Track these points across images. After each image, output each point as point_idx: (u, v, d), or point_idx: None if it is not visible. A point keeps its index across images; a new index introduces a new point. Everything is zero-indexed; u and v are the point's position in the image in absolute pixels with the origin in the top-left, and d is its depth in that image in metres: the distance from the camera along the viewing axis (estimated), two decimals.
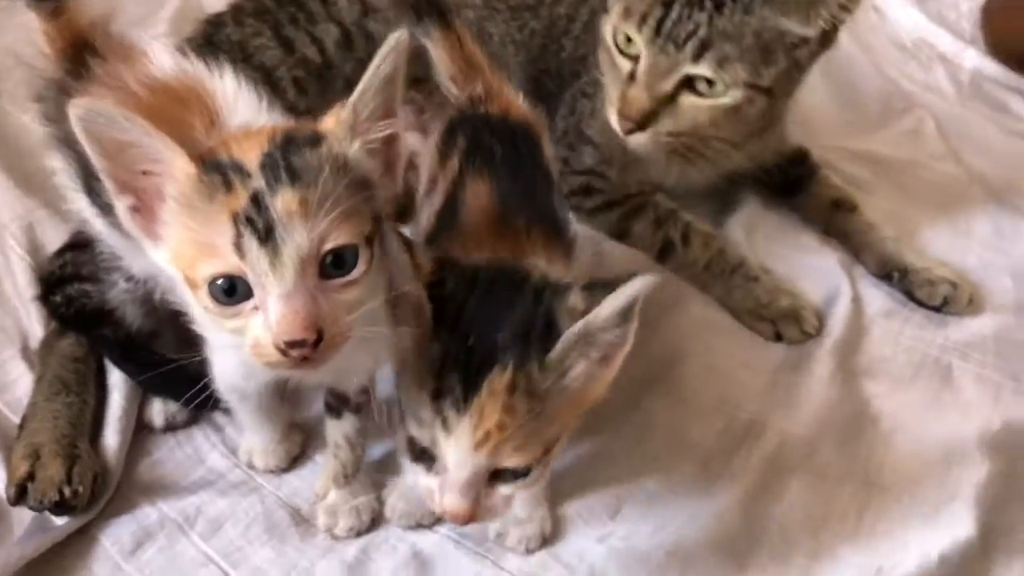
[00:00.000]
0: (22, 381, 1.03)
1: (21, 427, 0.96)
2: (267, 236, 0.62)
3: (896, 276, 1.25)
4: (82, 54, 0.83)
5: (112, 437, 0.96)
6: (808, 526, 0.96)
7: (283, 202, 0.63)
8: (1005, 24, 1.11)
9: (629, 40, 1.10)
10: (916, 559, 0.91)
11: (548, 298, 0.69)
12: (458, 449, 0.66)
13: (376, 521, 0.93)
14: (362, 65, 0.69)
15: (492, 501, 0.70)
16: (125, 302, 0.95)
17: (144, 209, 0.67)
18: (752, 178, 1.35)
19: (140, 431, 1.00)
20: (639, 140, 1.13)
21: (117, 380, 1.01)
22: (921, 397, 1.11)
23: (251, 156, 0.65)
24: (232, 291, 0.64)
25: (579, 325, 0.66)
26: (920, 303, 1.23)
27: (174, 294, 0.80)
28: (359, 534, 0.91)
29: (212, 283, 0.64)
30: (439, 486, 0.69)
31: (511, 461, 0.68)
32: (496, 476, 0.70)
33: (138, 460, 0.98)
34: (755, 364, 1.14)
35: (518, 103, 0.95)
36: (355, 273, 0.66)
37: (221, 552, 0.90)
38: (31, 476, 0.88)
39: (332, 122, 0.69)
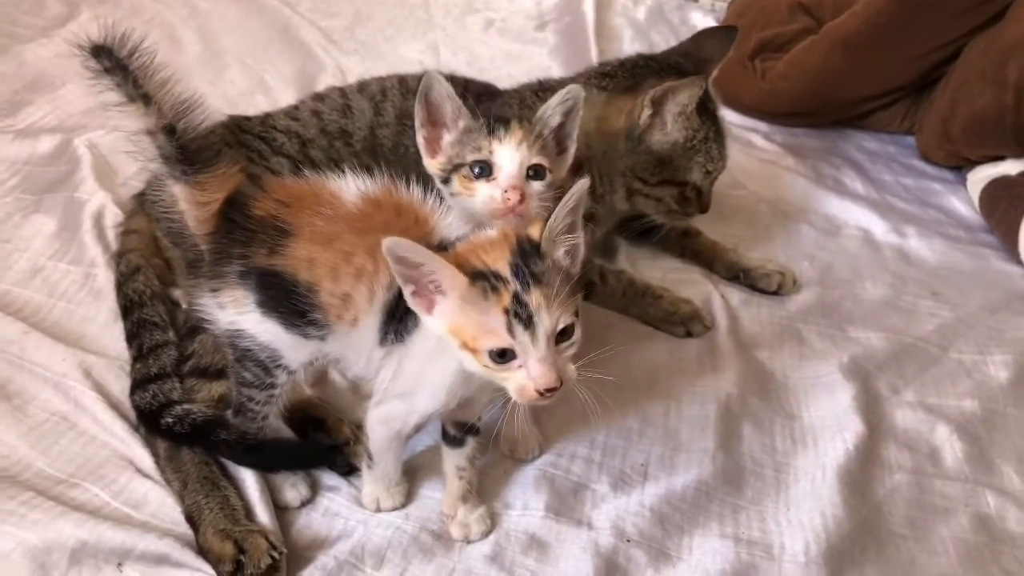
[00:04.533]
0: (151, 495, 1.19)
1: (194, 525, 1.13)
2: (528, 322, 0.94)
3: (741, 276, 1.74)
4: (236, 210, 1.07)
5: (264, 515, 1.16)
6: (766, 451, 1.37)
7: (535, 298, 0.95)
8: (726, 87, 1.63)
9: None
10: (832, 448, 1.37)
11: None
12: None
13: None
14: None
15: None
16: (277, 397, 1.16)
17: (420, 293, 0.98)
18: (618, 226, 1.78)
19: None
20: None
21: (240, 469, 1.20)
22: (790, 354, 1.58)
23: (501, 265, 0.96)
24: (503, 355, 0.96)
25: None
26: (762, 291, 1.72)
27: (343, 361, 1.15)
28: (487, 535, 1.19)
29: (491, 352, 0.96)
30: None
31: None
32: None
33: (287, 530, 1.18)
34: (682, 355, 1.55)
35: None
36: (574, 338, 0.99)
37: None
38: (240, 551, 1.07)
39: (537, 232, 0.99)
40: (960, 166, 2.14)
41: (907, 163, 2.23)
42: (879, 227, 1.95)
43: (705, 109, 1.56)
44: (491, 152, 1.20)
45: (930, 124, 2.15)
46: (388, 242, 0.93)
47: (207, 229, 1.10)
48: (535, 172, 1.21)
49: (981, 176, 2.03)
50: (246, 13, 2.64)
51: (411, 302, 0.99)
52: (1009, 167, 1.99)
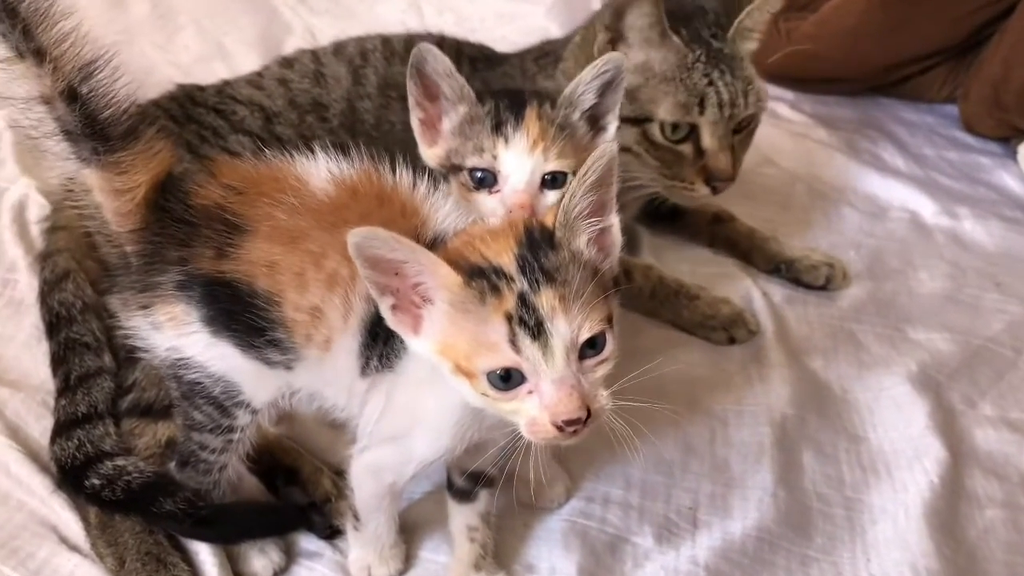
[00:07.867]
0: (79, 574, 0.93)
1: None
2: (538, 332, 0.71)
3: (783, 268, 1.50)
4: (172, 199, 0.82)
5: None
6: (833, 484, 1.14)
7: (547, 300, 0.71)
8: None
9: (676, 127, 1.27)
10: (912, 480, 1.14)
11: None
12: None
13: None
14: None
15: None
16: (237, 443, 0.91)
17: (402, 308, 0.75)
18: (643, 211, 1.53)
19: None
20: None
21: None
22: (848, 362, 1.35)
23: (505, 259, 0.73)
24: (507, 379, 0.72)
25: None
26: (808, 286, 1.48)
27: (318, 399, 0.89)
28: None
29: (491, 374, 0.72)
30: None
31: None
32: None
33: None
34: (723, 366, 1.31)
35: None
36: (606, 352, 0.74)
37: None
38: None
39: (551, 218, 0.76)
40: (1009, 137, 1.91)
41: (948, 135, 2.00)
42: (928, 208, 1.72)
43: (695, 34, 1.30)
44: (495, 157, 0.94)
45: (978, 90, 1.92)
46: (355, 236, 0.69)
47: (132, 224, 0.84)
48: (553, 179, 0.95)
49: None
50: None
51: (390, 320, 0.76)
52: None
